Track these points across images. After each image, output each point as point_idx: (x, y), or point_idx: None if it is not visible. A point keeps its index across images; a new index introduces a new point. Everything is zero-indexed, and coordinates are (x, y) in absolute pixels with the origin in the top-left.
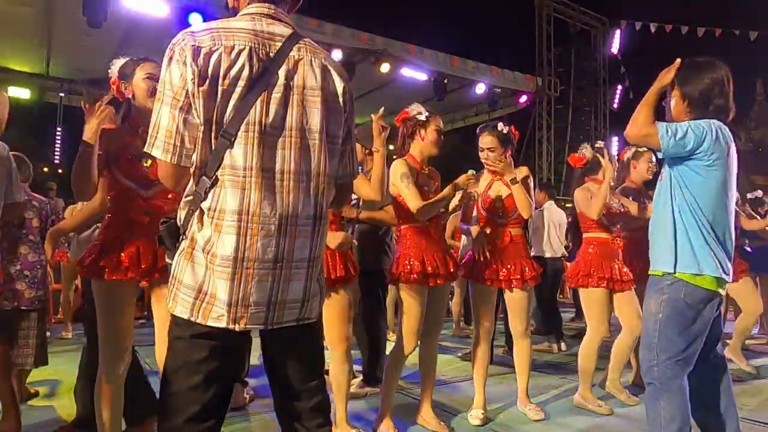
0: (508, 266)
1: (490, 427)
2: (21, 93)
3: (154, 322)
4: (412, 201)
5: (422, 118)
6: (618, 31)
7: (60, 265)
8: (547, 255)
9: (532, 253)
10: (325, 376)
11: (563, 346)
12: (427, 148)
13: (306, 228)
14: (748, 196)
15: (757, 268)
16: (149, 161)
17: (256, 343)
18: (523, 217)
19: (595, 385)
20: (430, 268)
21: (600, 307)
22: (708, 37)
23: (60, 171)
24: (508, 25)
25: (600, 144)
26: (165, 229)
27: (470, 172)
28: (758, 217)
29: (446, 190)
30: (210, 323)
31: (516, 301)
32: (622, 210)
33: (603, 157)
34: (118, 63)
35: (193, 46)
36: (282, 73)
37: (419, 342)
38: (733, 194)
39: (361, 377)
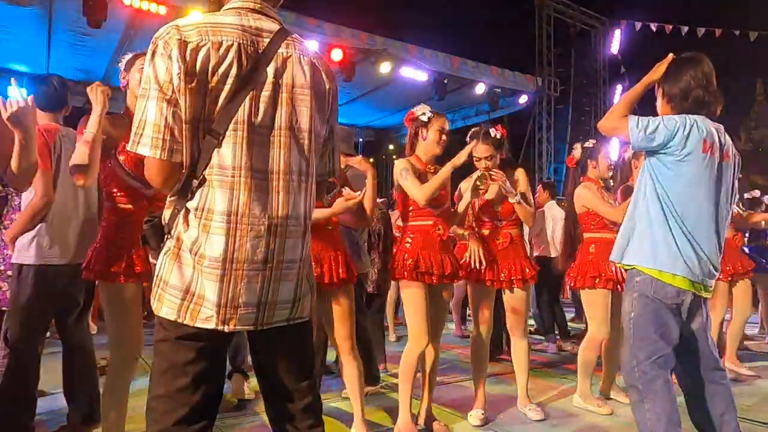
0: (510, 267)
1: (490, 427)
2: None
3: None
4: (413, 190)
5: (425, 118)
6: (618, 31)
7: None
8: (552, 254)
9: (536, 253)
10: (339, 377)
11: (567, 345)
12: (429, 147)
13: (297, 228)
14: (746, 195)
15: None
16: None
17: None
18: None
19: (594, 384)
20: (423, 267)
21: (604, 308)
22: (708, 37)
23: None
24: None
25: (590, 143)
26: (149, 229)
27: (482, 170)
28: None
29: (444, 169)
30: (198, 324)
31: (516, 300)
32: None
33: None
34: (126, 57)
35: (179, 39)
36: (271, 70)
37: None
38: (729, 197)
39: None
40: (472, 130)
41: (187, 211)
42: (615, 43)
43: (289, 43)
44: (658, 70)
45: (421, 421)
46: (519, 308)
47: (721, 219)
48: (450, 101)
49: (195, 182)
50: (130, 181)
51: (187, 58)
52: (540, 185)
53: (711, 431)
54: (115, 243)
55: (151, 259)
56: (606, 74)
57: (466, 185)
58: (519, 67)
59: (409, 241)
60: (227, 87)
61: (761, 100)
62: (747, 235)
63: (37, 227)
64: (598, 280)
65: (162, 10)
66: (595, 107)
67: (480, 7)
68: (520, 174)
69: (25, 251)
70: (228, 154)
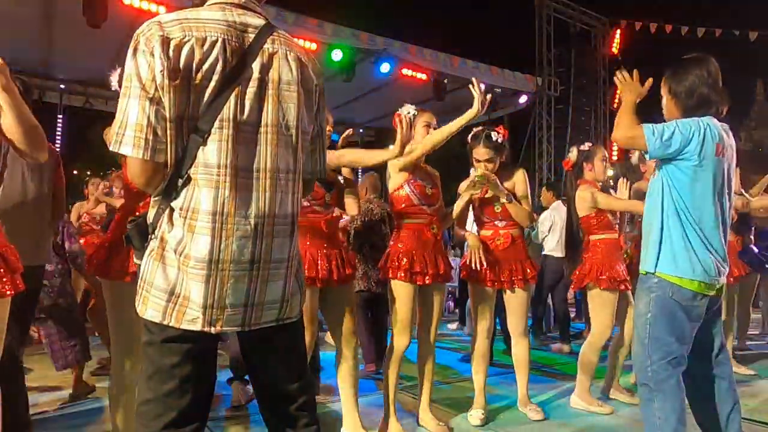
0: (511, 267)
1: (490, 427)
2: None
3: None
4: (386, 154)
5: (410, 116)
6: (618, 31)
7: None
8: (557, 255)
9: (545, 252)
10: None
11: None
12: (417, 143)
13: (284, 228)
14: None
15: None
16: None
17: None
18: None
19: (592, 384)
20: (417, 267)
21: (610, 309)
22: (708, 37)
23: None
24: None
25: (586, 146)
26: (133, 228)
27: (479, 170)
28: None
29: (456, 121)
30: (184, 326)
31: (517, 300)
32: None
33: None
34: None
35: (161, 36)
36: (256, 66)
37: (417, 340)
38: (730, 193)
39: None
40: (474, 131)
41: (172, 210)
42: (615, 43)
43: (275, 38)
44: (633, 87)
45: (421, 420)
46: (519, 308)
47: (725, 211)
48: (450, 101)
49: (180, 181)
50: None
51: (170, 54)
52: (544, 186)
53: (716, 430)
54: (116, 241)
55: (135, 260)
56: (606, 74)
57: (464, 186)
58: (519, 67)
59: (402, 240)
60: (212, 84)
61: (761, 101)
62: (752, 236)
63: None
64: (612, 281)
65: (162, 10)
66: (595, 107)
67: (480, 7)
68: (520, 174)
69: None
70: (213, 152)
